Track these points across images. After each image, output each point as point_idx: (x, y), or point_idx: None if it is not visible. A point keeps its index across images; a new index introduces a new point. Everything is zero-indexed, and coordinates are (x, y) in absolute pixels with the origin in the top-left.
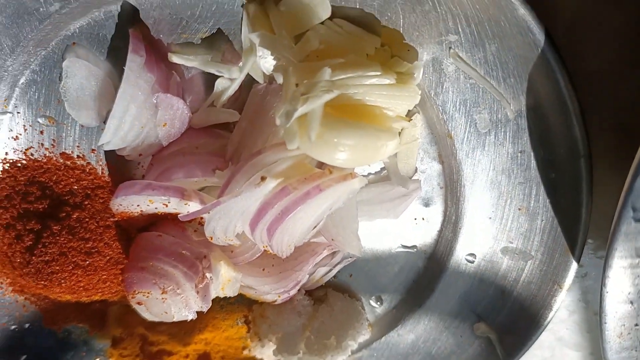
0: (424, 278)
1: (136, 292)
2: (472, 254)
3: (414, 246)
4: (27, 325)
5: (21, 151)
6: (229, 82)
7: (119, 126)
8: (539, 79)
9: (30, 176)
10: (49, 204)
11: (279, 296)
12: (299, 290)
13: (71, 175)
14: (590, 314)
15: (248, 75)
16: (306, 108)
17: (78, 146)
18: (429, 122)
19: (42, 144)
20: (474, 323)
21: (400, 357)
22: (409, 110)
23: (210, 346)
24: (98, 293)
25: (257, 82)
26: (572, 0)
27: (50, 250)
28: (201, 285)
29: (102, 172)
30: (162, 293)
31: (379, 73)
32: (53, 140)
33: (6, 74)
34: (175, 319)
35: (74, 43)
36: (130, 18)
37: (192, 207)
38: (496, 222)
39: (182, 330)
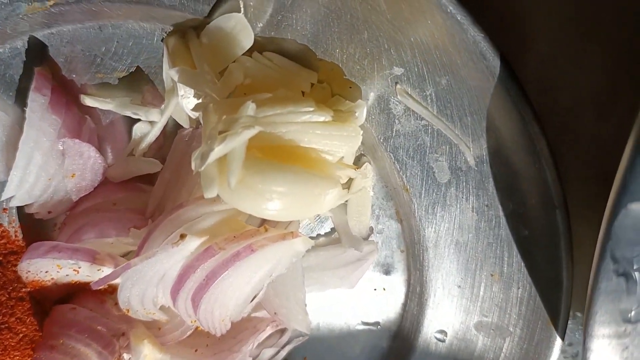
0: None
1: None
2: (442, 331)
3: (377, 322)
4: None
5: None
6: (149, 126)
7: (23, 178)
8: (498, 114)
9: None
10: None
11: None
12: None
13: None
14: None
15: (174, 120)
16: (224, 147)
17: None
18: (382, 174)
19: None
20: None
21: None
22: (357, 160)
23: None
24: None
25: (183, 127)
26: (549, 31)
27: None
28: None
29: (15, 235)
30: None
31: (312, 109)
32: None
33: None
34: None
35: None
36: (39, 56)
37: (106, 273)
38: (466, 292)
39: None
